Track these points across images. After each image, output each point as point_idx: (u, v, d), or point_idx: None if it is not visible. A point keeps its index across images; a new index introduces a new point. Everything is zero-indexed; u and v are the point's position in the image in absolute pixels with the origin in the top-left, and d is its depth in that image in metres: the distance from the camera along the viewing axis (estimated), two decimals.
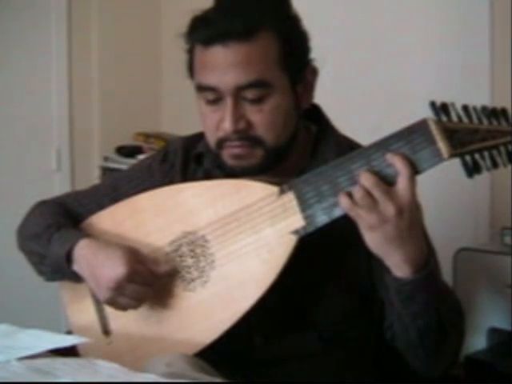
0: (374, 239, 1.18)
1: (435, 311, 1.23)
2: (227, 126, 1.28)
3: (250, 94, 1.28)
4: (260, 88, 1.28)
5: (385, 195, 1.15)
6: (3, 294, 2.99)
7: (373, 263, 1.31)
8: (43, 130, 3.17)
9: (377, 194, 1.16)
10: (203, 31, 1.29)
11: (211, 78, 1.29)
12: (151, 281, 1.33)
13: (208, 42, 1.28)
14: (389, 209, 1.15)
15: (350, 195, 1.18)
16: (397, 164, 1.17)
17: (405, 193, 1.16)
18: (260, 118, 1.29)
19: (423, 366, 1.34)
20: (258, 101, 1.28)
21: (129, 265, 1.31)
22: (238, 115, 1.28)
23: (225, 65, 1.27)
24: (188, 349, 1.28)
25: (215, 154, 1.35)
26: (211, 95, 1.30)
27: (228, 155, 1.32)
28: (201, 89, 1.32)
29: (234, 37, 1.26)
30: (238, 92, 1.28)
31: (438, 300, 1.24)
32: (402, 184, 1.16)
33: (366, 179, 1.17)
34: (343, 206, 1.18)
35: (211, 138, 1.34)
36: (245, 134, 1.30)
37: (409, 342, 1.28)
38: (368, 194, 1.16)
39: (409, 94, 2.64)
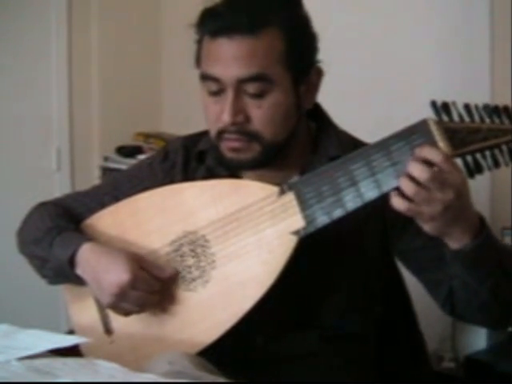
0: (436, 226, 1.16)
1: (500, 267, 1.23)
2: (225, 117, 1.30)
3: (250, 87, 1.29)
4: (261, 82, 1.29)
5: (442, 184, 1.13)
6: (3, 294, 2.99)
7: (409, 253, 1.33)
8: (43, 130, 3.17)
9: (433, 185, 1.12)
10: (211, 23, 1.31)
11: (215, 69, 1.30)
12: (154, 288, 1.33)
13: (215, 33, 1.30)
14: (449, 195, 1.13)
15: (400, 194, 1.14)
16: (429, 157, 1.13)
17: (455, 173, 1.13)
18: (259, 114, 1.30)
19: (498, 322, 1.36)
20: (258, 96, 1.29)
21: (132, 271, 1.31)
22: (237, 108, 1.29)
23: (228, 57, 1.28)
24: (189, 348, 1.28)
25: (215, 146, 1.36)
26: (214, 86, 1.31)
27: (225, 148, 1.34)
28: (204, 78, 1.33)
29: (239, 30, 1.27)
30: (240, 85, 1.29)
31: (500, 256, 1.23)
32: (447, 169, 1.13)
33: (421, 172, 1.13)
34: (399, 207, 1.14)
35: (212, 130, 1.35)
36: (242, 128, 1.31)
37: (482, 305, 1.26)
38: (421, 187, 1.13)
39: (409, 93, 2.64)
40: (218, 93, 1.31)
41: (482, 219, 1.21)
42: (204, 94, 1.34)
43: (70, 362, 1.16)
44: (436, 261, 1.28)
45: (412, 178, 1.13)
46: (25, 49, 3.08)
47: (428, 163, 1.13)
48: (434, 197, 1.13)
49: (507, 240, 2.30)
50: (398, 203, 1.15)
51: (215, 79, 1.31)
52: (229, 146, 1.33)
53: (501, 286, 1.24)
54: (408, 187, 1.13)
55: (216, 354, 1.29)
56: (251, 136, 1.31)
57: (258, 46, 1.28)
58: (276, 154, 1.35)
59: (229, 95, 1.29)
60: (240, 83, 1.29)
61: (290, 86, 1.32)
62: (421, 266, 1.33)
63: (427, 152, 1.14)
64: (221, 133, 1.33)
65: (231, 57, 1.28)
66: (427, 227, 1.17)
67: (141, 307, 1.34)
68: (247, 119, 1.31)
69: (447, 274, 1.26)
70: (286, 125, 1.33)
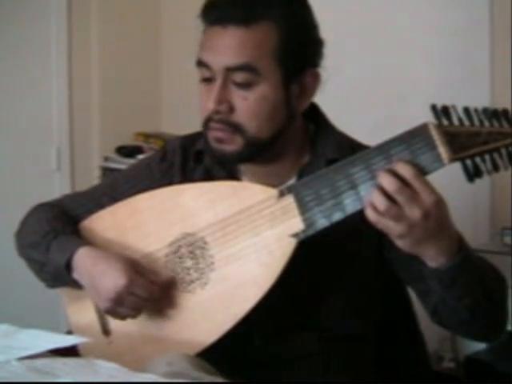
0: (406, 244, 1.17)
1: (479, 286, 1.22)
2: (210, 104, 1.31)
3: (238, 77, 1.30)
4: (248, 73, 1.29)
5: (409, 201, 1.13)
6: (3, 295, 2.99)
7: (396, 259, 1.32)
8: (43, 130, 3.17)
9: (401, 199, 1.13)
10: (210, 13, 1.33)
11: (206, 55, 1.32)
12: (152, 294, 1.33)
13: (211, 22, 1.32)
14: (415, 214, 1.13)
15: (374, 206, 1.15)
16: (400, 171, 1.15)
17: (425, 194, 1.14)
18: (243, 105, 1.31)
19: (479, 338, 1.40)
20: (245, 86, 1.30)
21: (128, 276, 1.31)
22: (222, 96, 1.31)
23: (220, 45, 1.30)
24: (188, 349, 1.28)
25: (205, 137, 1.37)
26: (207, 72, 1.33)
27: (211, 137, 1.35)
28: (198, 64, 1.35)
29: (233, 21, 1.29)
30: (228, 73, 1.30)
31: (479, 275, 1.23)
32: (416, 187, 1.14)
33: (389, 184, 1.14)
34: (371, 218, 1.16)
35: (202, 118, 1.36)
36: (226, 118, 1.32)
37: (461, 321, 1.27)
38: (392, 203, 1.13)
39: (409, 94, 2.64)
40: (210, 80, 1.33)
41: (461, 239, 1.21)
42: (200, 83, 1.36)
43: (70, 362, 1.16)
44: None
45: (383, 192, 1.14)
46: (25, 49, 3.08)
47: (401, 179, 1.14)
48: (401, 214, 1.13)
49: (507, 240, 2.30)
50: (369, 214, 1.16)
51: (206, 66, 1.32)
52: (213, 136, 1.34)
53: (480, 304, 1.23)
54: (378, 201, 1.14)
55: (215, 354, 1.29)
56: (234, 127, 1.32)
57: (249, 37, 1.29)
58: (261, 151, 1.34)
59: (216, 83, 1.31)
60: (228, 71, 1.30)
61: (280, 82, 1.32)
62: (410, 276, 1.33)
63: (400, 167, 1.15)
64: (207, 122, 1.34)
65: (222, 45, 1.30)
66: (397, 243, 1.18)
67: (137, 311, 1.34)
68: (231, 109, 1.31)
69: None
70: (271, 121, 1.33)
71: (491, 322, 1.29)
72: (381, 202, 1.14)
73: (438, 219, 1.15)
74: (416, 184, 1.14)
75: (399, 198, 1.13)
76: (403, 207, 1.13)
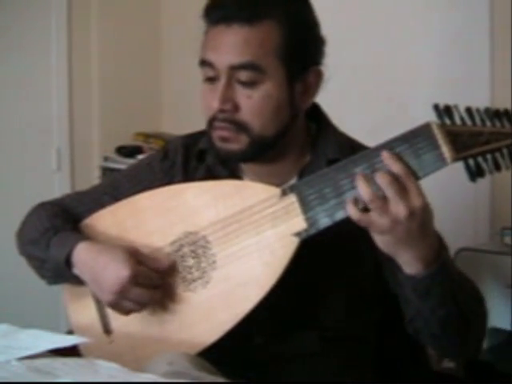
0: (385, 241, 1.18)
1: (453, 301, 1.23)
2: (215, 103, 1.31)
3: (242, 76, 1.30)
4: (252, 71, 1.30)
5: (398, 195, 1.14)
6: (3, 294, 2.99)
7: (384, 262, 1.31)
8: (43, 130, 3.17)
9: (390, 193, 1.14)
10: (214, 12, 1.33)
11: (210, 54, 1.33)
12: (154, 282, 1.33)
13: (215, 21, 1.32)
14: (400, 210, 1.14)
15: (356, 202, 1.17)
16: (389, 166, 1.16)
17: (414, 193, 1.14)
18: (248, 104, 1.31)
19: (449, 354, 1.41)
20: (249, 85, 1.31)
21: (131, 267, 1.30)
22: (227, 95, 1.31)
23: (224, 44, 1.31)
24: (189, 349, 1.28)
25: (209, 136, 1.37)
26: (210, 71, 1.33)
27: (216, 137, 1.35)
28: (202, 63, 1.35)
29: (237, 20, 1.30)
30: (232, 72, 1.30)
31: (455, 290, 1.23)
32: (407, 184, 1.15)
33: (381, 177, 1.15)
34: (352, 215, 1.17)
35: (206, 118, 1.36)
36: (231, 117, 1.32)
37: (432, 335, 1.27)
38: (379, 196, 1.15)
39: (409, 94, 2.64)
40: (213, 79, 1.33)
41: (440, 251, 1.21)
42: (203, 82, 1.36)
43: (70, 362, 1.16)
44: None
45: (369, 184, 1.15)
46: (25, 49, 3.08)
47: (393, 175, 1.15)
48: (387, 208, 1.14)
49: (507, 240, 2.30)
50: (351, 210, 1.17)
51: (210, 65, 1.32)
52: (218, 135, 1.34)
53: (453, 320, 1.24)
54: (365, 192, 1.15)
55: (216, 353, 1.29)
56: (239, 126, 1.32)
57: (253, 35, 1.30)
58: (265, 150, 1.35)
59: (221, 82, 1.31)
60: (232, 70, 1.30)
61: (284, 81, 1.32)
62: (394, 280, 1.32)
63: (387, 160, 1.16)
64: (212, 121, 1.34)
65: (226, 44, 1.30)
66: (377, 239, 1.18)
67: (141, 305, 1.34)
68: (236, 108, 1.32)
69: None
70: (276, 120, 1.34)
71: (461, 340, 1.29)
72: (366, 191, 1.15)
73: (421, 223, 1.15)
74: (408, 182, 1.15)
75: (388, 192, 1.14)
76: (390, 201, 1.14)
